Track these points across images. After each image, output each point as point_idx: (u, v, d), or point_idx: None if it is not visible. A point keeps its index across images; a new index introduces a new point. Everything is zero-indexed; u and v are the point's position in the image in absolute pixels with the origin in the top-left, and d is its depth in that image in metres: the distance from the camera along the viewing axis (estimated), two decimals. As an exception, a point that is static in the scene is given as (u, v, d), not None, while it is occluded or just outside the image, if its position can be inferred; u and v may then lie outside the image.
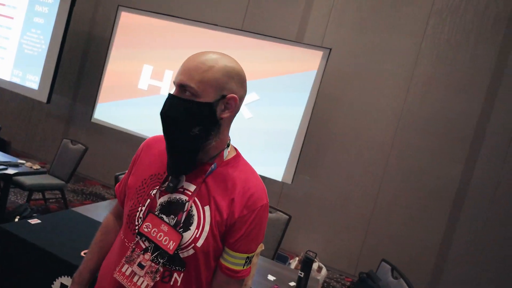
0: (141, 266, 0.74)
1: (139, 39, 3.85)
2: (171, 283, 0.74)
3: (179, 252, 0.73)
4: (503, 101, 3.18)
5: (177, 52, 3.67)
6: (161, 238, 0.74)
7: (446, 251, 3.26)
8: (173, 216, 0.75)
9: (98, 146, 4.37)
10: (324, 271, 2.93)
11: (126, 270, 0.75)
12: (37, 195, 3.27)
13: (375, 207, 3.48)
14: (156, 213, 0.76)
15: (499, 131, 3.18)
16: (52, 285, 1.33)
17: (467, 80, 3.28)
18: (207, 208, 0.74)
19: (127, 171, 0.89)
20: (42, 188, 2.92)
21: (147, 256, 0.74)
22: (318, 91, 3.39)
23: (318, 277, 2.84)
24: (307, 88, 3.40)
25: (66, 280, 1.32)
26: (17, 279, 1.40)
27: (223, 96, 0.74)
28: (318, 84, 3.38)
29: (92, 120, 4.06)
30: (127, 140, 4.14)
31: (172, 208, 0.75)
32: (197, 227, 0.74)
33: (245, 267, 0.78)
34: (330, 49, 3.40)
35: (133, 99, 3.84)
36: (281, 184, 3.63)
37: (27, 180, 2.74)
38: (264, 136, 3.46)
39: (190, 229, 0.74)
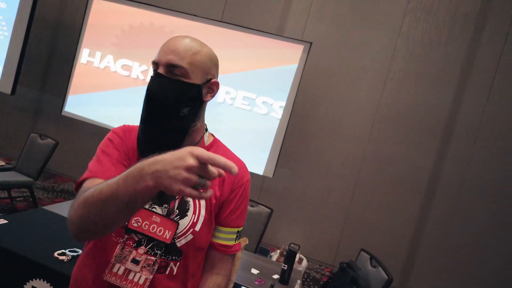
0: (135, 261, 0.71)
1: (113, 28, 3.66)
2: (167, 272, 0.73)
3: (176, 241, 0.73)
4: (471, 96, 3.35)
5: (153, 43, 3.53)
6: (155, 229, 0.72)
7: (418, 238, 3.41)
8: (166, 205, 0.75)
9: (70, 140, 4.16)
10: (304, 262, 2.97)
11: (118, 269, 0.72)
12: (1, 194, 3.06)
13: (353, 199, 3.57)
14: (147, 205, 0.74)
15: (467, 124, 3.35)
16: (23, 289, 1.25)
17: (439, 76, 3.41)
18: None
19: (101, 154, 0.77)
20: (7, 186, 2.72)
21: (141, 250, 0.72)
22: (298, 84, 3.40)
23: (299, 268, 2.88)
24: (288, 82, 3.40)
25: (38, 284, 1.24)
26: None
27: (208, 80, 0.76)
28: (299, 78, 3.38)
29: (63, 113, 3.84)
30: (100, 134, 3.93)
31: (164, 197, 0.75)
32: (194, 212, 0.75)
33: (236, 242, 0.81)
34: (311, 43, 3.41)
35: (107, 91, 3.66)
36: (262, 178, 3.64)
37: (-9, 177, 2.55)
38: (245, 130, 3.44)
39: (187, 215, 0.74)
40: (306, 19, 3.69)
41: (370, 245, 3.34)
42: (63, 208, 1.81)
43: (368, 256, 2.10)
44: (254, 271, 1.70)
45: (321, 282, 3.17)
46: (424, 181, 3.41)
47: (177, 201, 0.74)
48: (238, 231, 0.81)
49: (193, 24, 3.55)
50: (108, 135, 0.81)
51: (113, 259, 0.72)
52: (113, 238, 0.74)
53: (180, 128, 0.73)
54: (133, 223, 0.73)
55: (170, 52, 0.71)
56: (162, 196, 0.75)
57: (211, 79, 0.76)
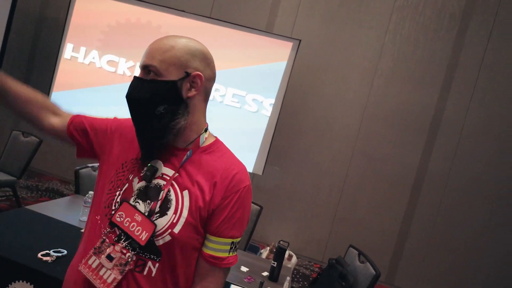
0: (110, 258, 0.70)
1: (99, 23, 3.57)
2: (145, 272, 0.70)
3: (155, 239, 0.70)
4: (456, 94, 3.43)
5: (140, 39, 3.47)
6: (134, 228, 0.70)
7: (405, 234, 3.49)
8: (149, 202, 0.73)
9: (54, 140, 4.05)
10: (294, 259, 3.00)
11: (93, 262, 0.70)
12: (-17, 193, 2.97)
13: (342, 196, 3.61)
14: (132, 199, 0.73)
15: (452, 122, 3.43)
16: (5, 292, 1.21)
17: (425, 74, 3.48)
18: (185, 192, 0.72)
19: (93, 118, 0.86)
20: (-11, 185, 2.64)
21: (118, 247, 0.70)
22: (288, 82, 3.41)
23: (289, 265, 2.91)
24: (277, 79, 3.40)
25: (21, 286, 1.20)
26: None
27: (187, 74, 0.73)
28: (288, 75, 3.39)
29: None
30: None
31: (150, 193, 0.73)
32: (175, 212, 0.71)
33: (231, 254, 0.75)
34: (300, 40, 3.42)
35: (92, 87, 3.58)
36: (252, 175, 3.64)
37: (-30, 176, 2.46)
38: (235, 128, 3.42)
39: (167, 214, 0.71)
40: (295, 17, 3.69)
41: (359, 241, 3.39)
42: (47, 208, 1.76)
43: (356, 252, 2.13)
44: (244, 268, 1.70)
45: (311, 278, 3.20)
46: (411, 178, 3.48)
47: (159, 201, 0.72)
48: (232, 242, 0.74)
49: (182, 20, 3.50)
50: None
51: (91, 250, 0.71)
52: (102, 230, 0.74)
53: (160, 127, 0.72)
54: (117, 217, 0.72)
55: (145, 54, 0.74)
56: (149, 191, 0.73)
57: (191, 73, 0.73)
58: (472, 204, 3.35)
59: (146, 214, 0.71)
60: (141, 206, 0.72)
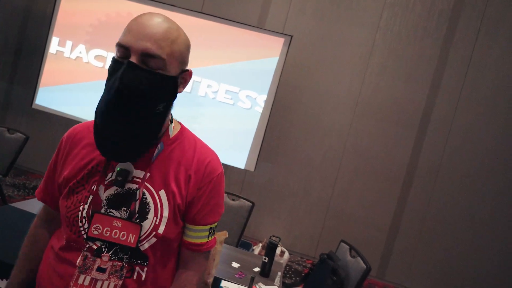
0: (101, 270, 0.66)
1: (86, 17, 3.50)
2: (134, 277, 0.68)
3: (139, 245, 0.68)
4: (445, 91, 3.47)
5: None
6: (117, 235, 0.67)
7: (396, 228, 3.53)
8: (125, 208, 0.68)
9: (42, 135, 3.97)
10: (286, 255, 3.00)
11: (84, 280, 0.66)
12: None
13: (334, 191, 3.63)
14: (102, 210, 0.68)
15: (441, 118, 3.47)
16: (-12, 291, 1.18)
17: (415, 71, 3.51)
18: (162, 192, 0.70)
19: (47, 171, 0.78)
20: (-27, 183, 2.57)
21: (105, 257, 0.67)
22: (280, 78, 3.40)
23: (281, 261, 2.91)
24: (269, 75, 3.38)
25: (4, 284, 1.17)
26: None
27: (184, 71, 0.70)
28: (280, 71, 3.37)
29: (34, 106, 3.65)
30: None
31: (122, 200, 0.68)
32: (155, 214, 0.69)
33: (209, 238, 0.75)
34: (292, 36, 3.40)
35: (79, 83, 3.51)
36: (244, 171, 3.63)
37: (-47, 174, 2.39)
38: (226, 124, 3.40)
39: (148, 218, 0.69)
40: (287, 12, 3.68)
41: (351, 237, 3.42)
42: (33, 205, 1.72)
43: (347, 246, 2.14)
44: (235, 264, 1.70)
45: (303, 274, 3.21)
46: (402, 174, 3.52)
47: (137, 203, 0.68)
48: (210, 227, 0.75)
49: (172, 14, 3.45)
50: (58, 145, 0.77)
51: (76, 271, 0.67)
52: (76, 246, 0.69)
53: (154, 126, 0.67)
54: (93, 230, 0.67)
55: (146, 37, 0.62)
56: (120, 197, 0.69)
57: (187, 70, 0.70)
58: (461, 199, 3.40)
59: (126, 217, 0.68)
60: (117, 215, 0.68)
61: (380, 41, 3.58)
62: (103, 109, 0.64)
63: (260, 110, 3.39)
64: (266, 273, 1.65)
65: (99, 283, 0.66)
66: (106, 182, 0.69)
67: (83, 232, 0.68)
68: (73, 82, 3.51)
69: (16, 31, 4.05)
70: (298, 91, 3.67)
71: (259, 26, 3.61)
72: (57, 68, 3.54)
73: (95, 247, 0.68)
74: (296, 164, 3.68)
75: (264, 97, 3.39)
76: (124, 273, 0.67)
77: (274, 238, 1.70)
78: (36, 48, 3.95)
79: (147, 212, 0.69)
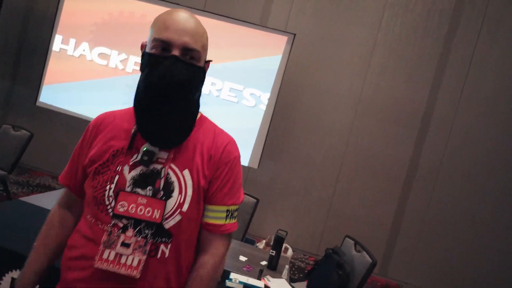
0: (125, 245, 0.69)
1: (90, 15, 3.51)
2: (158, 256, 0.71)
3: (164, 222, 0.70)
4: (445, 90, 3.49)
5: (134, 31, 3.42)
6: (142, 211, 0.69)
7: (397, 227, 3.55)
8: (150, 187, 0.71)
9: (45, 133, 3.97)
10: (290, 251, 3.02)
11: (109, 255, 0.68)
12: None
13: (336, 190, 3.65)
14: (128, 189, 0.71)
15: (442, 118, 3.50)
16: (1, 281, 1.19)
17: (416, 71, 3.53)
18: (186, 172, 0.73)
19: (71, 157, 0.82)
20: (-22, 179, 2.57)
21: (129, 233, 0.69)
22: (283, 76, 3.42)
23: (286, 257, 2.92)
24: (273, 73, 3.40)
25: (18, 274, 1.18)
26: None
27: (207, 62, 0.78)
28: (283, 70, 3.39)
29: (38, 104, 3.66)
30: (76, 126, 3.79)
31: (147, 179, 0.72)
32: (180, 192, 0.72)
33: (227, 221, 0.77)
34: (295, 35, 3.43)
35: (83, 81, 3.52)
36: (247, 169, 3.64)
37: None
38: (230, 122, 3.42)
39: (172, 196, 0.71)
40: (289, 11, 3.70)
41: (353, 234, 3.41)
42: (40, 200, 1.73)
43: (352, 241, 2.16)
44: (242, 258, 1.71)
45: (306, 271, 3.23)
46: (403, 173, 3.54)
47: (162, 181, 0.71)
48: (228, 209, 0.77)
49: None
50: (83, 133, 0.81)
51: (101, 246, 0.69)
52: (99, 226, 0.71)
53: (193, 113, 0.75)
54: (119, 208, 0.69)
55: (184, 33, 0.70)
56: (145, 177, 0.71)
57: (209, 60, 0.78)
58: (462, 199, 3.42)
59: (150, 194, 0.71)
60: (142, 193, 0.71)
61: (381, 41, 3.61)
62: (149, 101, 0.70)
63: (264, 108, 3.41)
64: (273, 266, 1.66)
65: (123, 258, 0.68)
66: (130, 163, 0.72)
67: (109, 210, 0.71)
68: (76, 80, 3.52)
69: (17, 31, 4.06)
70: (300, 90, 3.69)
71: (262, 24, 3.63)
72: (61, 66, 3.55)
73: (121, 224, 0.70)
74: (298, 162, 3.70)
75: (267, 95, 3.41)
76: (147, 248, 0.69)
77: (281, 232, 1.71)
78: (37, 47, 3.95)
79: (172, 191, 0.71)
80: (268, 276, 1.56)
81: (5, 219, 1.41)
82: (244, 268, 1.59)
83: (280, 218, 3.74)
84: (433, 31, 3.50)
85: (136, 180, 0.72)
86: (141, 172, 0.72)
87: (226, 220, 0.77)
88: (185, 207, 0.72)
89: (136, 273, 0.68)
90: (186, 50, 0.70)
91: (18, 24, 4.05)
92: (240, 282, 1.37)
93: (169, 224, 0.71)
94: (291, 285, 1.52)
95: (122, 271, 0.68)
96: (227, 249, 0.79)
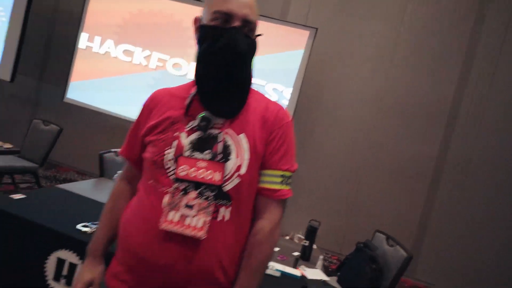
0: (189, 207, 0.70)
1: (114, 13, 3.58)
2: (219, 218, 0.72)
3: (223, 185, 0.72)
4: (473, 84, 3.37)
5: (156, 28, 3.47)
6: (202, 175, 0.71)
7: (424, 227, 3.44)
8: (208, 151, 0.73)
9: (71, 130, 4.06)
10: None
11: (174, 216, 0.70)
12: (5, 179, 2.98)
13: (359, 187, 3.58)
14: (186, 153, 0.73)
15: (470, 112, 3.37)
16: (47, 260, 1.21)
17: (441, 66, 3.43)
18: (242, 136, 0.75)
19: (130, 131, 0.85)
20: (13, 171, 2.66)
21: (192, 195, 0.71)
22: (305, 71, 3.38)
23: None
24: (294, 68, 3.37)
25: (64, 254, 1.20)
26: (8, 256, 1.25)
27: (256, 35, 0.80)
28: (305, 65, 3.36)
29: (65, 100, 3.75)
30: (101, 123, 3.88)
31: (205, 143, 0.74)
32: (237, 156, 0.73)
33: (283, 187, 0.77)
34: (317, 29, 3.39)
35: (108, 77, 3.59)
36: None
37: (-5, 161, 2.49)
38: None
39: (230, 159, 0.73)
40: (309, 5, 3.66)
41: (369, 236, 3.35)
42: (76, 188, 1.76)
43: (384, 236, 2.10)
44: (275, 248, 1.69)
45: (329, 269, 3.17)
46: (429, 170, 3.43)
47: (220, 144, 0.73)
48: (282, 175, 0.77)
49: (197, 9, 3.48)
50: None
51: (166, 208, 0.70)
52: (161, 190, 0.73)
53: (248, 84, 0.78)
54: (180, 172, 0.71)
55: (244, 5, 0.72)
56: (203, 141, 0.74)
57: (259, 34, 0.80)
58: (494, 197, 3.28)
59: (209, 158, 0.72)
60: (200, 157, 0.73)
61: (404, 35, 3.52)
62: (214, 71, 0.73)
63: (287, 103, 3.38)
64: (306, 257, 1.63)
65: (187, 219, 0.69)
66: (188, 129, 0.75)
67: (170, 174, 0.72)
68: (101, 76, 3.60)
69: (44, 31, 4.19)
70: (321, 85, 3.64)
71: (282, 18, 3.61)
72: (87, 63, 3.63)
73: (182, 187, 0.71)
74: (320, 158, 3.65)
75: (291, 90, 3.38)
76: (211, 210, 0.70)
77: (314, 222, 1.68)
78: (64, 45, 4.06)
79: (229, 154, 0.73)
80: (303, 266, 1.53)
81: (47, 203, 1.44)
82: (278, 257, 1.57)
83: (302, 216, 3.69)
84: (459, 23, 3.39)
85: (194, 145, 0.74)
86: (198, 137, 0.74)
87: (281, 186, 0.77)
88: (242, 170, 0.72)
89: (201, 234, 0.69)
90: (246, 22, 0.73)
91: (45, 25, 4.18)
92: (277, 270, 1.35)
93: (228, 187, 0.72)
94: (327, 276, 1.49)
95: (188, 232, 0.69)
96: (282, 215, 0.79)
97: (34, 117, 4.18)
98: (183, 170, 0.71)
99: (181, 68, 3.38)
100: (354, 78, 3.58)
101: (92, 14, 3.63)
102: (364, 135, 3.56)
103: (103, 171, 2.22)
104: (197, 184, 0.71)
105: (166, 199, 0.71)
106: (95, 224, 1.32)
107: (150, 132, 0.77)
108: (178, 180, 0.71)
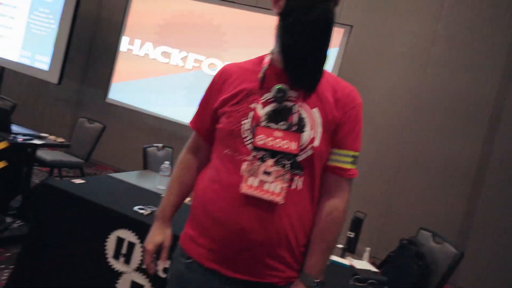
0: (267, 173, 0.73)
1: (153, 17, 3.75)
2: (292, 187, 0.74)
3: (297, 156, 0.74)
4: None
5: (193, 31, 3.58)
6: (279, 144, 0.73)
7: (467, 230, 3.25)
8: (283, 122, 0.75)
9: (110, 131, 4.26)
10: (366, 254, 2.89)
11: (253, 182, 0.73)
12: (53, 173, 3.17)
13: (395, 189, 3.46)
14: (263, 124, 0.75)
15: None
16: (108, 239, 1.27)
17: (482, 62, 3.26)
18: (315, 109, 0.77)
19: (200, 104, 0.87)
20: (62, 165, 2.84)
21: (270, 162, 0.73)
22: (339, 69, 3.35)
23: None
24: (328, 66, 3.34)
25: (123, 233, 1.26)
26: (71, 236, 1.33)
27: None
28: (339, 62, 3.33)
29: (107, 100, 3.96)
30: (140, 124, 4.04)
31: (280, 115, 0.76)
32: (311, 128, 0.75)
33: (353, 166, 0.79)
34: (352, 26, 3.36)
35: (148, 78, 3.75)
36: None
37: (48, 156, 2.66)
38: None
39: (305, 130, 0.75)
40: (343, 3, 3.64)
41: (404, 235, 3.21)
42: (127, 177, 1.84)
43: (429, 233, 2.02)
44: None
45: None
46: (471, 170, 3.25)
47: (295, 115, 0.75)
48: (353, 155, 0.79)
49: (230, 10, 3.56)
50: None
51: (246, 173, 0.73)
52: (238, 158, 0.75)
53: (326, 58, 0.77)
54: (258, 141, 0.74)
55: None
56: (278, 113, 0.76)
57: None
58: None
59: (285, 128, 0.75)
60: (276, 127, 0.75)
61: (442, 31, 3.40)
62: (303, 42, 0.73)
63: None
64: (352, 249, 1.60)
65: (266, 185, 0.72)
66: (263, 101, 0.77)
67: (247, 143, 0.75)
68: (141, 77, 3.77)
69: (88, 37, 4.45)
70: (355, 83, 3.48)
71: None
72: (127, 65, 3.82)
73: (259, 156, 0.74)
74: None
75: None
76: (288, 177, 0.73)
77: (359, 213, 1.65)
78: (106, 49, 4.30)
79: (304, 126, 0.75)
80: (349, 257, 1.50)
81: (105, 187, 1.53)
82: (323, 248, 1.55)
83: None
84: (501, 17, 3.22)
85: (270, 115, 0.76)
86: (273, 109, 0.76)
87: (352, 165, 0.79)
88: (316, 143, 0.75)
89: (279, 199, 0.72)
90: None
91: (88, 31, 4.44)
92: (326, 258, 1.33)
93: (301, 157, 0.74)
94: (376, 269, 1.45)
95: (266, 196, 0.72)
96: (350, 194, 0.81)
97: (77, 117, 4.44)
98: (261, 139, 0.73)
99: (216, 68, 3.46)
100: (390, 76, 3.50)
101: (133, 18, 3.83)
102: (400, 134, 3.45)
103: (146, 163, 2.31)
104: (273, 153, 0.73)
105: (244, 166, 0.74)
106: (149, 207, 1.38)
107: (225, 104, 0.79)
108: (256, 148, 0.74)
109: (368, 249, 1.59)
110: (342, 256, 1.44)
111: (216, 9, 3.61)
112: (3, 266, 1.79)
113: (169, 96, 3.63)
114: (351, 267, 1.40)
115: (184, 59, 3.62)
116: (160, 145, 2.52)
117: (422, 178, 3.38)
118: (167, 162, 1.87)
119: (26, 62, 4.03)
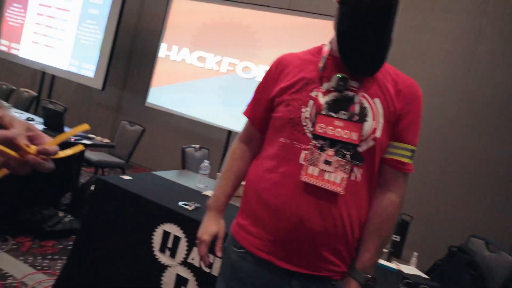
0: (327, 163, 0.71)
1: (189, 26, 3.88)
2: (352, 178, 0.73)
3: (358, 146, 0.72)
4: None
5: (226, 35, 3.65)
6: (340, 133, 0.72)
7: (502, 236, 2.98)
8: (344, 112, 0.74)
9: (148, 133, 4.45)
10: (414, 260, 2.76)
11: (313, 171, 0.72)
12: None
13: (442, 192, 3.26)
14: (323, 112, 0.74)
15: None
16: (154, 232, 1.32)
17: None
18: (377, 100, 0.75)
19: (255, 94, 0.87)
20: (107, 165, 3.01)
21: (330, 152, 0.72)
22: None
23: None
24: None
25: (169, 227, 1.30)
26: (120, 229, 1.39)
27: None
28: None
29: (146, 105, 4.14)
30: (176, 127, 4.17)
31: (341, 104, 0.75)
32: (374, 119, 0.73)
33: (411, 161, 0.77)
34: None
35: (184, 82, 3.87)
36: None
37: (93, 156, 2.82)
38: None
39: (367, 120, 0.73)
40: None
41: (451, 242, 2.98)
42: (170, 176, 1.90)
43: (481, 241, 1.87)
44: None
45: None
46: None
47: (357, 105, 0.73)
48: (412, 149, 0.77)
49: (263, 13, 3.59)
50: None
51: (306, 162, 0.72)
52: (297, 146, 0.75)
53: (389, 45, 0.75)
54: (318, 129, 0.73)
55: None
56: (339, 102, 0.74)
57: None
58: None
59: (346, 118, 0.73)
60: (336, 116, 0.74)
61: (487, 28, 3.18)
62: (361, 28, 0.71)
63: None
64: (397, 253, 1.52)
65: (326, 175, 0.71)
66: (323, 90, 0.76)
67: (307, 131, 0.74)
68: (179, 81, 3.90)
69: (128, 46, 4.70)
70: None
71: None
72: (165, 70, 3.98)
73: (318, 144, 0.73)
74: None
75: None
76: (348, 168, 0.71)
77: (405, 216, 1.57)
78: (144, 56, 4.51)
79: (366, 116, 0.73)
80: (396, 262, 1.43)
81: (150, 184, 1.59)
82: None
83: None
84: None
85: (330, 104, 0.75)
86: (334, 98, 0.75)
87: (410, 160, 0.77)
88: (378, 133, 0.73)
89: (340, 189, 0.70)
90: None
91: (129, 40, 4.70)
92: (372, 261, 1.28)
93: (362, 148, 0.73)
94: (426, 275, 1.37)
95: (327, 186, 0.71)
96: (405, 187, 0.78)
97: (118, 121, 4.69)
98: (321, 128, 0.72)
99: (250, 71, 3.50)
100: (430, 74, 3.33)
101: (171, 26, 4.00)
102: (443, 136, 3.26)
103: (184, 163, 2.37)
104: (332, 143, 0.72)
105: (303, 155, 0.73)
106: (193, 203, 1.41)
107: (283, 92, 0.79)
108: (316, 136, 0.73)
109: (416, 253, 1.50)
110: (389, 261, 1.37)
111: (249, 12, 3.65)
112: (57, 257, 1.92)
113: (205, 100, 3.71)
114: (399, 272, 1.33)
115: (219, 63, 3.70)
116: (197, 146, 2.58)
117: (471, 182, 3.15)
118: (206, 161, 1.90)
119: (74, 70, 4.34)
